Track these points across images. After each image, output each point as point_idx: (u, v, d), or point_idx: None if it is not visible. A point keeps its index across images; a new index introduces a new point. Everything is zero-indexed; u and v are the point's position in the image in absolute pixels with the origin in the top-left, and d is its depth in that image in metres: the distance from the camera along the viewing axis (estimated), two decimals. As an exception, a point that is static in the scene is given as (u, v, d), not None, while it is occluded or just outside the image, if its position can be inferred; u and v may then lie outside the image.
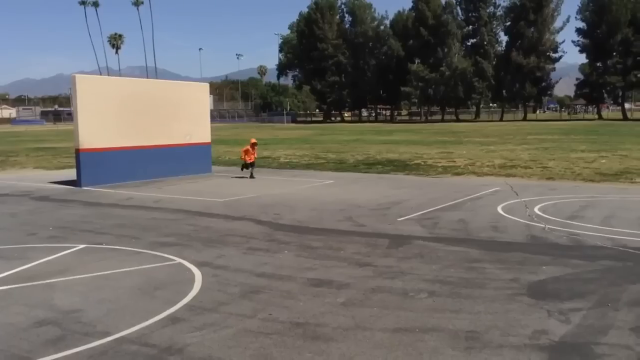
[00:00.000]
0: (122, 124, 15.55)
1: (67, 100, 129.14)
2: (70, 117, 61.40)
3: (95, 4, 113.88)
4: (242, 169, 16.79)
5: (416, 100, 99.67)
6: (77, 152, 14.97)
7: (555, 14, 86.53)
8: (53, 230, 9.28)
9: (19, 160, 23.98)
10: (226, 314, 5.21)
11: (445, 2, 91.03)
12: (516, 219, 9.76)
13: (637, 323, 4.88)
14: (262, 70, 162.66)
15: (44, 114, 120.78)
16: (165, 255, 7.43)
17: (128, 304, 5.55)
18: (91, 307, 5.43)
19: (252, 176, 16.32)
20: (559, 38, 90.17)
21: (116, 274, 6.61)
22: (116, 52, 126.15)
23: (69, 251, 7.75)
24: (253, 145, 16.56)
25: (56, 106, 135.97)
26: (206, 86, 19.30)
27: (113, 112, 15.35)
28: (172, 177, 16.52)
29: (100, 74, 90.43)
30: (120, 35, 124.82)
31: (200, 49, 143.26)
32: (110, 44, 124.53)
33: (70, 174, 16.44)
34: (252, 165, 16.48)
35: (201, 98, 18.40)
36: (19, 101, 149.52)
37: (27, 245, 8.17)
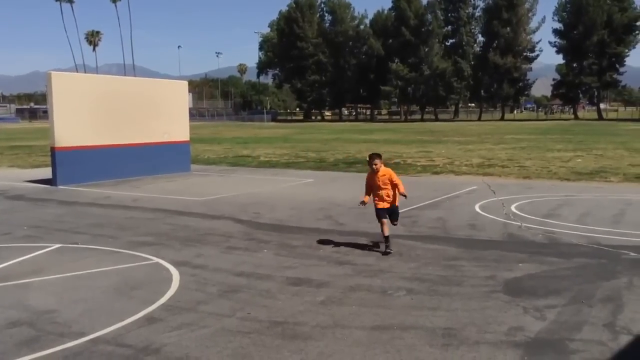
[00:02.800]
0: (99, 122, 15.35)
1: (42, 98, 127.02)
2: (46, 114, 60.36)
3: (70, 1, 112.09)
4: (386, 245, 7.39)
5: (396, 100, 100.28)
6: (53, 150, 14.74)
7: (530, 14, 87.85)
8: (28, 229, 9.12)
9: (-7, 159, 23.52)
10: (204, 314, 5.17)
11: (428, 2, 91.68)
12: (493, 217, 9.86)
13: (611, 319, 4.96)
14: (242, 69, 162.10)
15: (19, 112, 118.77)
16: (143, 255, 7.35)
17: (104, 304, 5.48)
18: (66, 308, 5.35)
19: (387, 249, 7.35)
20: (535, 38, 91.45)
21: (92, 274, 6.52)
22: (93, 50, 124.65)
23: (43, 251, 7.62)
24: (372, 162, 7.45)
25: (32, 104, 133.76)
26: (185, 84, 19.14)
27: (90, 110, 15.14)
28: (151, 175, 16.36)
29: (77, 72, 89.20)
30: (97, 32, 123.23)
31: (179, 46, 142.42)
32: (87, 41, 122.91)
33: (46, 172, 16.17)
34: (394, 212, 7.58)
35: (180, 96, 18.24)
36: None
37: (1, 245, 8.01)
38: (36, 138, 39.72)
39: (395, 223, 7.71)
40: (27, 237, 8.57)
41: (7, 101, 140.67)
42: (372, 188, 7.52)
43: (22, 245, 7.92)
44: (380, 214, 7.42)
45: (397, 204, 7.58)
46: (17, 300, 5.59)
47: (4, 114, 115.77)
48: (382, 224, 7.37)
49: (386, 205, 7.44)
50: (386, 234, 7.34)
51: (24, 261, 7.09)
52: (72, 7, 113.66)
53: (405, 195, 7.53)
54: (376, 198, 7.47)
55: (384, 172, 7.45)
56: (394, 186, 7.44)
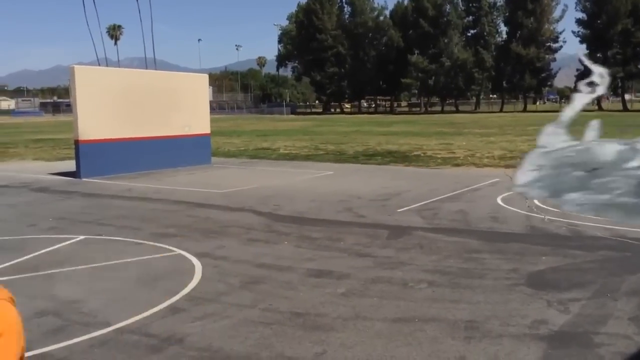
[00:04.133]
0: (121, 115, 15.51)
1: (65, 92, 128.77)
2: (69, 108, 61.19)
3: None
4: None
5: (416, 92, 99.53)
6: (77, 143, 14.94)
7: (554, 3, 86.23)
8: (53, 221, 9.28)
9: (18, 152, 23.93)
10: (226, 304, 5.22)
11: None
12: (516, 209, 9.75)
13: (636, 313, 4.89)
14: (261, 62, 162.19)
15: (42, 106, 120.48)
16: (165, 246, 7.44)
17: (128, 294, 5.57)
18: (91, 298, 5.44)
19: None
20: (558, 28, 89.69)
21: (116, 265, 6.61)
22: (115, 43, 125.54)
23: (69, 242, 7.75)
24: None
25: (55, 97, 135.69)
26: (205, 77, 19.24)
27: (112, 103, 15.30)
28: (172, 168, 16.49)
29: (99, 65, 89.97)
30: (119, 26, 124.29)
31: (199, 40, 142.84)
32: (109, 35, 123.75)
33: (70, 165, 16.41)
34: None
35: (200, 89, 18.35)
36: (17, 92, 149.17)
37: (27, 236, 8.17)
38: (60, 131, 40.29)
39: None
40: (52, 228, 8.72)
41: (31, 95, 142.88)
42: None
43: (48, 237, 8.06)
44: None
45: None
46: (44, 290, 5.70)
47: (28, 107, 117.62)
48: None
49: None
50: None
51: (50, 252, 7.22)
52: (93, 0, 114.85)
53: None
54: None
55: None
56: None
